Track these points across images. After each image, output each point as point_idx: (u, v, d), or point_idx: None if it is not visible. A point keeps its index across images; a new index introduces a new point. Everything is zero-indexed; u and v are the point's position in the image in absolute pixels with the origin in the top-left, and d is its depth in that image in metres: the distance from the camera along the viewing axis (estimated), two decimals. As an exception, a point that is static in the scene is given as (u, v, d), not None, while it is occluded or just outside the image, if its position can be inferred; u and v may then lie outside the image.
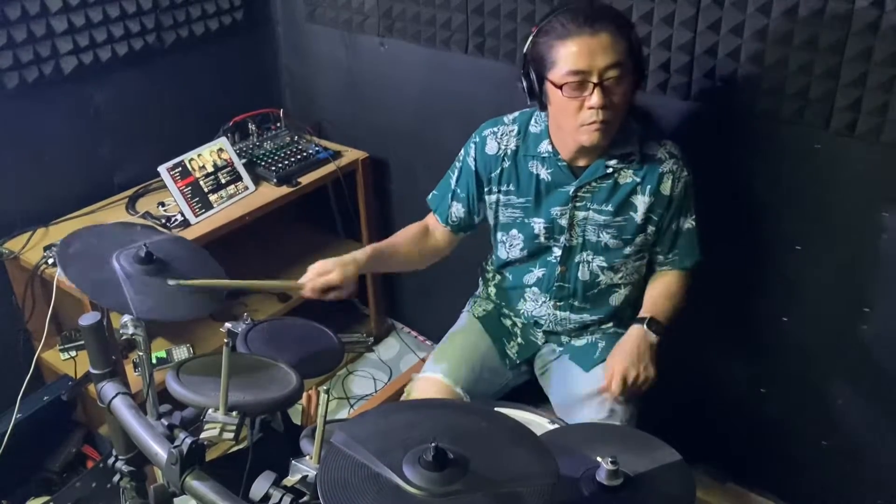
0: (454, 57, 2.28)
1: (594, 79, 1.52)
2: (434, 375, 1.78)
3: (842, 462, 1.99)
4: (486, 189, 1.78)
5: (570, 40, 1.52)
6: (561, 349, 1.86)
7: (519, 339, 1.89)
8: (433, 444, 0.90)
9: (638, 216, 1.69)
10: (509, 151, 1.73)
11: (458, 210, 1.83)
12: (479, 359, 1.83)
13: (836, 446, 1.98)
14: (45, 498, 2.13)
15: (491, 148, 1.75)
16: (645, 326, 1.69)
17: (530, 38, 1.58)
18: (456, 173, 1.83)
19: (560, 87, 1.54)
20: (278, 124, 2.69)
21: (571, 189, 1.68)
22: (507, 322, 1.91)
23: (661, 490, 1.07)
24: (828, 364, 1.91)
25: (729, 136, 1.85)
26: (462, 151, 1.81)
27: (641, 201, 1.68)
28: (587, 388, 1.73)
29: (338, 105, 2.75)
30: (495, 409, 1.35)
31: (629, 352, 1.66)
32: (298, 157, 2.58)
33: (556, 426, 1.62)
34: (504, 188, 1.76)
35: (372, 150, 2.67)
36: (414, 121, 2.51)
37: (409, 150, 2.59)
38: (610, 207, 1.68)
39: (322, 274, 1.65)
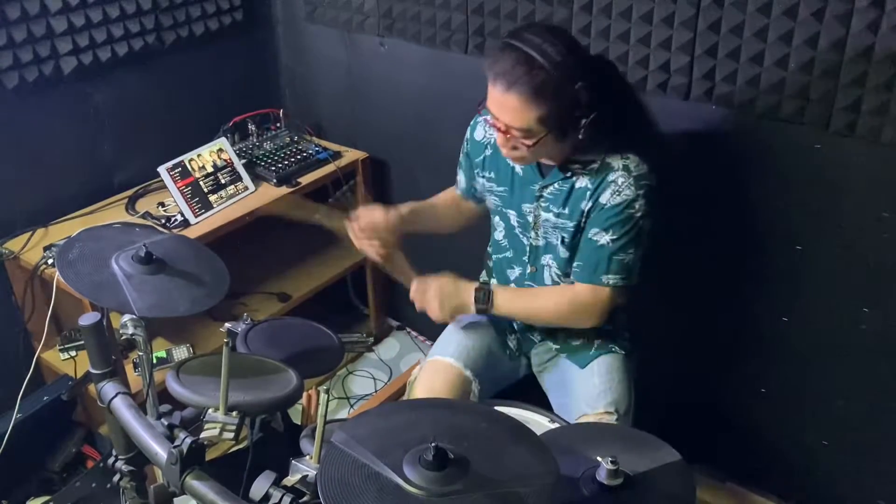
0: (454, 57, 2.28)
1: (500, 126, 1.53)
2: (443, 358, 1.79)
3: (842, 462, 1.99)
4: (475, 171, 1.82)
5: (490, 83, 1.51)
6: (557, 347, 1.86)
7: (517, 333, 1.91)
8: (433, 444, 0.91)
9: (584, 221, 1.66)
10: (492, 140, 1.74)
11: (461, 179, 1.90)
12: (485, 344, 1.85)
13: (836, 446, 1.98)
14: (45, 498, 2.13)
15: (478, 134, 1.79)
16: (475, 291, 1.70)
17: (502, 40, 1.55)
18: (464, 143, 1.87)
19: None
20: (278, 124, 2.69)
21: (537, 188, 1.69)
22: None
23: (661, 490, 1.07)
24: (828, 364, 1.91)
25: (729, 136, 1.85)
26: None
27: (587, 207, 1.64)
28: (584, 385, 1.74)
29: (338, 105, 2.75)
30: (495, 408, 1.35)
31: (441, 292, 1.71)
32: (298, 157, 2.58)
33: (556, 426, 1.62)
34: (487, 175, 1.79)
35: (372, 150, 2.67)
36: (414, 121, 2.51)
37: (409, 150, 2.59)
38: (566, 211, 1.67)
39: (368, 213, 1.73)
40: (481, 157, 1.78)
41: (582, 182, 1.64)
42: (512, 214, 1.76)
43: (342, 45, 2.59)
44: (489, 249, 1.93)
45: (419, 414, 1.07)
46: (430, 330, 2.91)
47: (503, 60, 1.48)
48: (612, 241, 1.61)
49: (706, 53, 1.78)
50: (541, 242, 1.74)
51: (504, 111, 1.50)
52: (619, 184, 1.59)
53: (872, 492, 1.97)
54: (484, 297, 1.70)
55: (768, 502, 2.14)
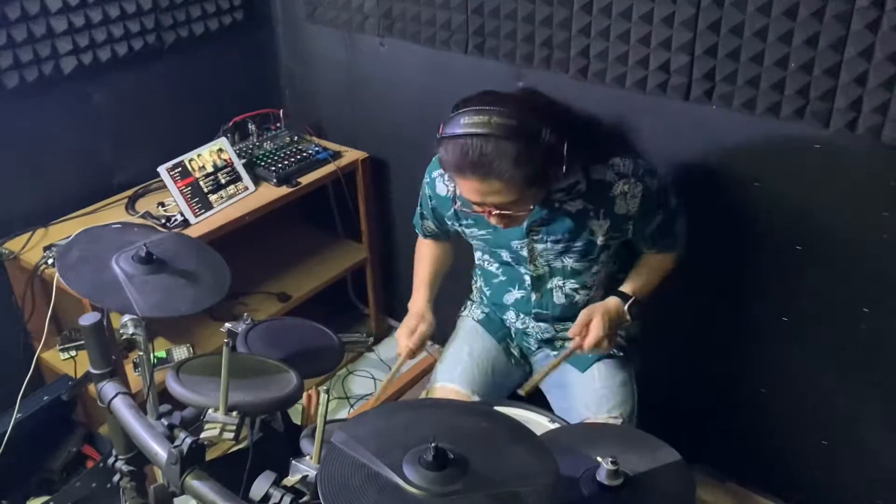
0: (454, 57, 2.28)
1: (489, 208, 1.51)
2: (450, 385, 1.79)
3: (842, 462, 1.99)
4: (448, 223, 1.81)
5: (461, 177, 1.48)
6: (555, 354, 1.86)
7: (515, 342, 1.91)
8: (433, 444, 0.91)
9: (598, 238, 1.66)
10: (458, 192, 1.70)
11: (429, 225, 1.89)
12: (488, 362, 1.84)
13: (836, 446, 1.98)
14: (45, 498, 2.13)
15: (441, 190, 1.76)
16: (626, 308, 1.68)
17: (439, 133, 1.50)
18: (420, 200, 1.86)
19: None
20: (278, 124, 2.69)
21: (524, 225, 1.66)
22: (507, 321, 1.91)
23: (661, 490, 1.07)
24: (828, 364, 1.91)
25: (728, 136, 1.84)
26: (422, 183, 1.82)
27: (598, 225, 1.64)
28: (585, 390, 1.74)
29: (338, 105, 2.75)
30: (495, 408, 1.35)
31: (610, 321, 1.65)
32: (298, 157, 2.58)
33: (556, 426, 1.62)
34: (464, 222, 1.76)
35: (372, 150, 2.67)
36: (414, 121, 2.51)
37: (409, 150, 2.59)
38: (566, 236, 1.66)
39: (411, 333, 1.76)
40: (451, 211, 1.75)
41: (576, 205, 1.63)
42: (503, 252, 1.75)
43: (342, 45, 2.59)
44: (477, 271, 1.93)
45: (419, 414, 1.07)
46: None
47: (466, 154, 1.43)
48: (662, 213, 1.67)
49: (706, 53, 1.78)
50: (542, 271, 1.74)
51: (489, 195, 1.48)
52: (627, 190, 1.60)
53: (872, 492, 1.97)
54: (634, 312, 1.69)
55: (768, 502, 2.15)
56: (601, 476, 1.05)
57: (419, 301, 1.85)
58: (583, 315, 1.65)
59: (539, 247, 1.69)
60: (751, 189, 1.86)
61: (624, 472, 1.05)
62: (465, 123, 1.44)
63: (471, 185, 1.47)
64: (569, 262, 1.70)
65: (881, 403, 1.87)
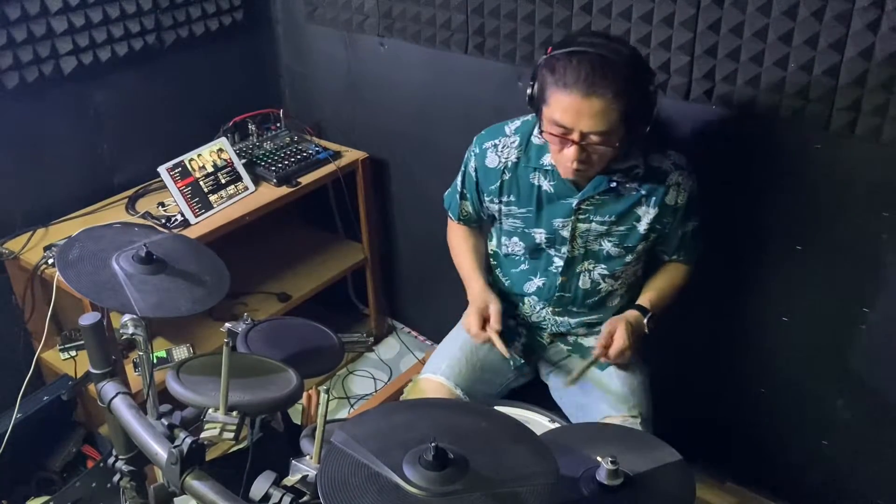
0: (454, 57, 2.28)
1: (574, 136, 1.49)
2: (433, 377, 1.78)
3: (842, 462, 1.99)
4: (487, 198, 1.79)
5: (563, 92, 1.46)
6: (569, 349, 1.85)
7: (524, 339, 1.90)
8: (433, 444, 0.91)
9: (641, 226, 1.68)
10: (510, 164, 1.72)
11: (466, 207, 1.88)
12: (480, 359, 1.83)
13: (836, 446, 1.98)
14: (45, 498, 2.13)
15: (491, 161, 1.74)
16: (645, 321, 1.72)
17: (547, 54, 1.52)
18: (461, 177, 1.84)
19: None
20: (278, 124, 2.69)
21: (574, 201, 1.67)
22: (511, 322, 1.90)
23: (661, 490, 1.07)
24: (828, 364, 1.91)
25: (729, 136, 1.85)
26: (466, 155, 1.81)
27: (646, 212, 1.67)
28: (605, 387, 1.74)
29: (338, 105, 2.75)
30: (495, 408, 1.35)
31: (634, 333, 1.69)
32: (298, 157, 2.58)
33: (556, 426, 1.62)
34: (505, 199, 1.75)
35: (372, 150, 2.67)
36: (414, 121, 2.51)
37: (409, 150, 2.59)
38: (613, 218, 1.68)
39: (483, 313, 1.73)
40: (497, 184, 1.74)
41: (630, 189, 1.65)
42: (538, 233, 1.74)
43: (342, 45, 2.59)
44: (493, 262, 1.92)
45: (419, 414, 1.07)
46: (430, 330, 2.91)
47: (575, 68, 1.44)
48: (697, 220, 1.76)
49: (706, 53, 1.78)
50: (578, 252, 1.74)
51: (584, 118, 1.46)
52: (681, 182, 1.65)
53: (872, 492, 1.97)
54: (651, 325, 1.73)
55: (768, 502, 2.15)
56: (601, 476, 1.05)
57: (476, 288, 1.81)
58: (607, 326, 1.70)
59: (582, 226, 1.69)
60: (751, 189, 1.86)
61: (624, 472, 1.05)
62: (585, 42, 1.47)
63: (571, 102, 1.46)
64: (607, 245, 1.71)
65: (881, 403, 1.86)
